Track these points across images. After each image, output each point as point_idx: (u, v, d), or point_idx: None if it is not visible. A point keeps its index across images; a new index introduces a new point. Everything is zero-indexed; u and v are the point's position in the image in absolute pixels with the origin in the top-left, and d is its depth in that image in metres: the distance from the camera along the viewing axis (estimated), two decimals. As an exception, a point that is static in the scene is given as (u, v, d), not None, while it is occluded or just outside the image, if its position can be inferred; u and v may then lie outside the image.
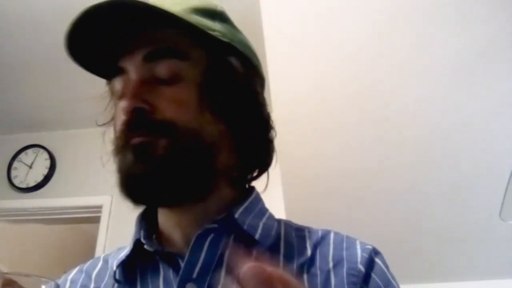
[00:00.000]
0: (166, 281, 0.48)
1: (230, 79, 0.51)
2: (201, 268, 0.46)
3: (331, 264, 0.50)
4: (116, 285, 0.51)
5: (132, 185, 0.48)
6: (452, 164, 1.73)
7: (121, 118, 0.48)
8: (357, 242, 0.54)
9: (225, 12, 0.57)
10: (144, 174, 0.46)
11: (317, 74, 1.62)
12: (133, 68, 0.49)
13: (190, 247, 0.47)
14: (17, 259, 2.93)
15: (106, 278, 0.53)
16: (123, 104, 0.47)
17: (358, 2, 1.47)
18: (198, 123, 0.48)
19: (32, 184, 2.51)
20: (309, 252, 0.52)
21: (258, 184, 0.58)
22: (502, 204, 1.66)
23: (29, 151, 2.61)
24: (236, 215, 0.50)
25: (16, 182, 2.54)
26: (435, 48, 1.52)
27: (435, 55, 1.53)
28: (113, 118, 0.53)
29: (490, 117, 1.62)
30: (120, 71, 0.51)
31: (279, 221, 0.57)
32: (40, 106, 2.51)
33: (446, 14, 1.45)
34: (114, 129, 0.51)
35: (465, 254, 1.89)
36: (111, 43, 0.51)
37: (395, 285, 0.51)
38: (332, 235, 0.55)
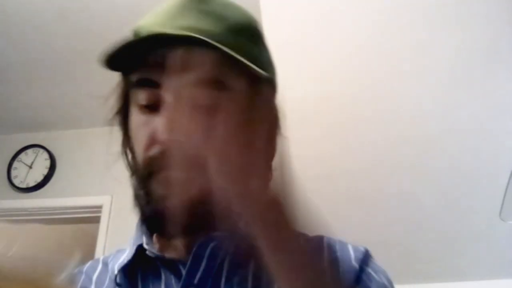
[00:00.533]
0: (168, 287, 0.48)
1: (266, 119, 0.48)
2: (202, 274, 0.47)
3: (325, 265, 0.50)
4: None
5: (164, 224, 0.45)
6: (452, 164, 1.73)
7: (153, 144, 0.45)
8: (349, 245, 0.55)
9: (261, 28, 0.55)
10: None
11: (317, 74, 1.62)
12: (172, 90, 0.45)
13: (192, 254, 0.48)
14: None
15: (106, 282, 0.53)
16: (162, 132, 0.44)
17: (358, 2, 1.47)
18: None
19: (32, 184, 2.51)
20: None
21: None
22: (502, 204, 1.66)
23: (29, 151, 2.61)
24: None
25: (16, 182, 2.54)
26: (435, 48, 1.52)
27: (435, 55, 1.53)
28: (124, 127, 0.51)
29: (490, 117, 1.62)
30: (153, 84, 0.48)
31: None
32: (40, 106, 2.51)
33: (446, 14, 1.45)
34: (135, 147, 0.49)
35: (465, 254, 1.89)
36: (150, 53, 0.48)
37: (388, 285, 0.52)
38: (325, 240, 0.56)
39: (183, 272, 0.47)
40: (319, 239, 0.55)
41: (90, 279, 0.54)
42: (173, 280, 0.48)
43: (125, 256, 0.52)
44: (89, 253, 2.54)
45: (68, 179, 2.54)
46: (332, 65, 1.59)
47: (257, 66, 0.49)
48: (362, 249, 0.54)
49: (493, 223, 1.76)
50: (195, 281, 0.46)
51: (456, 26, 1.46)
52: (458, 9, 1.43)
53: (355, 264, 0.50)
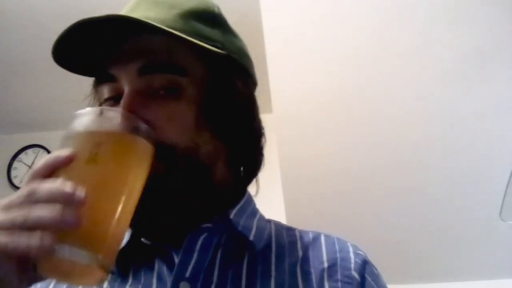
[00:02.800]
0: (160, 278, 0.48)
1: (231, 98, 0.49)
2: (194, 267, 0.46)
3: (325, 265, 0.51)
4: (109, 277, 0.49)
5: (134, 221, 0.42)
6: (452, 164, 1.73)
7: None
8: (349, 244, 0.55)
9: (221, 14, 0.55)
10: (147, 207, 0.42)
11: (317, 74, 1.61)
12: (127, 79, 0.47)
13: (183, 246, 0.47)
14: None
15: None
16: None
17: (358, 2, 1.47)
18: (196, 143, 0.47)
19: (32, 184, 2.51)
20: (300, 252, 0.52)
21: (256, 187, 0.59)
22: (502, 204, 1.66)
23: (29, 151, 2.61)
24: (231, 216, 0.51)
25: (16, 182, 2.54)
26: (435, 48, 1.52)
27: (435, 55, 1.53)
28: None
29: (490, 117, 1.62)
30: (111, 78, 0.49)
31: (269, 221, 0.58)
32: (40, 106, 2.51)
33: (446, 14, 1.45)
34: None
35: (465, 254, 1.89)
36: (101, 46, 0.49)
37: None
38: (323, 237, 0.56)
39: (176, 261, 0.47)
40: (316, 236, 0.56)
41: None
42: (165, 271, 0.48)
43: None
44: (89, 253, 2.54)
45: (68, 179, 2.53)
46: (332, 65, 1.59)
47: (213, 46, 0.48)
48: (362, 253, 0.54)
49: (493, 223, 1.76)
50: (187, 274, 0.46)
51: (456, 26, 1.46)
52: (458, 9, 1.43)
53: (355, 275, 0.50)
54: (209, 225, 0.49)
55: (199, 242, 0.48)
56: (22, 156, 2.60)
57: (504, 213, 1.68)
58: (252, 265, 0.49)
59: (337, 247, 0.54)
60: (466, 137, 1.67)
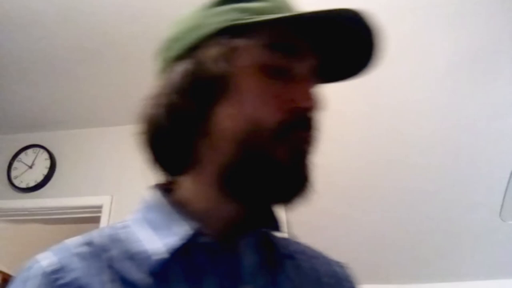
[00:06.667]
0: (220, 279, 0.45)
1: None
2: (251, 269, 0.46)
3: (304, 276, 0.53)
4: (151, 279, 0.42)
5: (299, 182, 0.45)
6: (452, 164, 1.73)
7: (296, 106, 0.45)
8: (330, 258, 0.58)
9: None
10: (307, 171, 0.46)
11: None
12: (311, 69, 0.48)
13: (242, 248, 0.47)
14: (17, 259, 2.93)
15: (134, 271, 0.43)
16: (308, 102, 0.45)
17: (356, 2, 1.46)
18: None
19: (32, 184, 2.51)
20: (313, 262, 0.56)
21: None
22: (502, 204, 1.66)
23: (29, 151, 2.61)
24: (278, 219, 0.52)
25: (16, 182, 2.54)
26: (435, 48, 1.52)
27: (436, 55, 1.53)
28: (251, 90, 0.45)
29: (490, 117, 1.62)
30: (291, 51, 0.47)
31: None
32: (40, 106, 2.51)
33: (446, 14, 1.45)
34: (251, 108, 0.44)
35: (465, 254, 1.89)
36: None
37: None
38: (307, 249, 0.58)
39: (232, 263, 0.46)
40: (301, 247, 0.58)
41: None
42: (221, 271, 0.45)
43: (162, 242, 0.44)
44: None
45: (68, 179, 2.54)
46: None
47: None
48: (343, 263, 0.58)
49: (493, 223, 1.76)
50: (246, 276, 0.45)
51: (456, 25, 1.46)
52: (458, 9, 1.43)
53: (336, 269, 0.56)
54: (264, 229, 0.50)
55: (250, 244, 0.48)
56: (22, 156, 2.60)
57: (504, 213, 1.68)
58: (292, 269, 0.51)
59: (320, 260, 0.57)
60: (467, 137, 1.67)
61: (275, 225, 0.50)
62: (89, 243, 0.46)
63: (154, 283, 0.42)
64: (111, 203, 2.39)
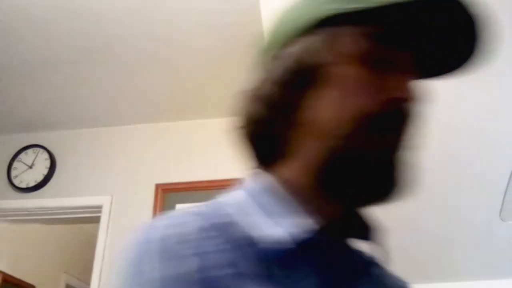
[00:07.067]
0: (337, 276, 0.44)
1: None
2: (351, 270, 0.46)
3: None
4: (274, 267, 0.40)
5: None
6: (452, 164, 1.73)
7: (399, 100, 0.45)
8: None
9: None
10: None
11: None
12: (411, 61, 0.47)
13: (345, 250, 0.47)
14: (17, 259, 2.93)
15: (253, 256, 0.40)
16: (406, 93, 0.45)
17: (358, 2, 1.47)
18: None
19: (32, 184, 2.51)
20: None
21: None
22: (502, 204, 1.66)
23: (29, 151, 2.61)
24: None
25: (16, 182, 2.54)
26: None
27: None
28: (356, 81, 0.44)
29: (490, 117, 1.62)
30: (397, 42, 0.46)
31: None
32: (40, 106, 2.51)
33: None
34: (346, 100, 0.43)
35: (465, 254, 1.89)
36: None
37: None
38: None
39: (343, 261, 0.46)
40: None
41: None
42: (338, 269, 0.44)
43: (284, 230, 0.41)
44: (89, 253, 2.54)
45: (68, 179, 2.54)
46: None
47: None
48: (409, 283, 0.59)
49: (493, 223, 1.76)
50: (345, 278, 0.45)
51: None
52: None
53: None
54: (366, 233, 0.50)
55: (349, 245, 0.49)
56: (22, 156, 2.60)
57: (504, 213, 1.68)
58: (376, 277, 0.52)
59: None
60: (467, 136, 1.67)
61: (368, 234, 0.49)
62: (209, 229, 0.41)
63: (278, 271, 0.39)
64: (111, 203, 2.39)
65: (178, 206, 2.29)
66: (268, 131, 0.46)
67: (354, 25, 0.45)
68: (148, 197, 2.35)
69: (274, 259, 0.39)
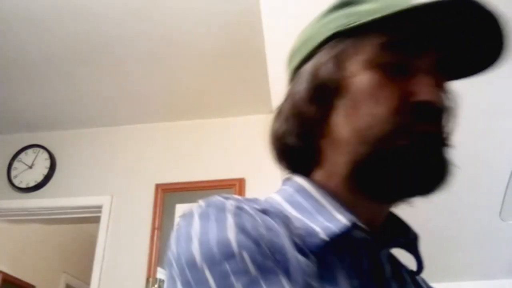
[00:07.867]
0: (369, 275, 0.46)
1: None
2: (388, 276, 0.49)
3: None
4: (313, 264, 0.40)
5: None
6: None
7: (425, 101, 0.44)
8: None
9: None
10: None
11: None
12: (432, 63, 0.47)
13: (381, 256, 0.49)
14: (17, 259, 2.94)
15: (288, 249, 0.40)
16: (429, 95, 0.44)
17: None
18: None
19: (32, 184, 2.52)
20: None
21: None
22: (502, 204, 1.66)
23: (29, 151, 2.61)
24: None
25: (16, 182, 2.54)
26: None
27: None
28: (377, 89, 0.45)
29: (490, 117, 1.62)
30: (412, 48, 0.46)
31: None
32: (40, 106, 2.51)
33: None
34: (368, 107, 0.45)
35: (465, 254, 1.89)
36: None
37: None
38: None
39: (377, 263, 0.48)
40: None
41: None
42: (371, 268, 0.47)
43: (319, 226, 0.43)
44: (89, 253, 2.54)
45: (68, 179, 2.54)
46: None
47: None
48: None
49: (493, 223, 1.76)
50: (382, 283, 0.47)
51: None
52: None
53: None
54: (406, 238, 0.56)
55: (386, 251, 0.52)
56: (22, 156, 2.60)
57: (504, 213, 1.68)
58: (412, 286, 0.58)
59: None
60: (467, 136, 1.67)
61: (404, 242, 0.54)
62: (264, 211, 0.43)
63: (317, 263, 0.41)
64: (111, 203, 2.39)
65: (178, 206, 2.29)
66: (300, 143, 0.49)
67: (363, 38, 0.46)
68: (148, 197, 2.35)
69: (315, 250, 0.41)
